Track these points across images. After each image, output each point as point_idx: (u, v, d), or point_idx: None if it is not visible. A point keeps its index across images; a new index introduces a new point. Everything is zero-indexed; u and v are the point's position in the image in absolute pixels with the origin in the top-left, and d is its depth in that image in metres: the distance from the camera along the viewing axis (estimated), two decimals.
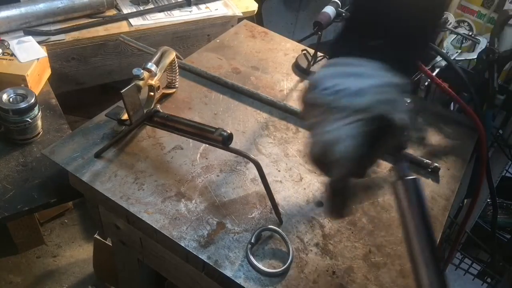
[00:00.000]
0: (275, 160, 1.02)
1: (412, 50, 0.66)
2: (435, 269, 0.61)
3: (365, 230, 0.91)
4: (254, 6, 1.81)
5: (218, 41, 1.37)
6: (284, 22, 2.83)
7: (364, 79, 0.59)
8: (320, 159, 0.62)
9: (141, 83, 0.98)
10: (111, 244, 1.45)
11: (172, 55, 1.08)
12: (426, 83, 1.37)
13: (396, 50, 0.62)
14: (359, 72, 0.60)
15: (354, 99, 0.58)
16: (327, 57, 0.74)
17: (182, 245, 0.82)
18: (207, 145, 0.98)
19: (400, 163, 0.66)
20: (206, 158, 1.00)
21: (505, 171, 1.61)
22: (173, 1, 1.71)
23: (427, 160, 1.06)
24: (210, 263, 0.80)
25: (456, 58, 1.36)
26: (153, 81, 1.03)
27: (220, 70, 1.25)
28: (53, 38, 1.46)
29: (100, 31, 1.54)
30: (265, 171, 0.88)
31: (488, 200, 1.61)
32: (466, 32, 1.48)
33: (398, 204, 0.65)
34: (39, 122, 1.19)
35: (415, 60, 0.72)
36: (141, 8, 1.66)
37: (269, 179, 0.92)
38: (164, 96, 1.12)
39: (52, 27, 1.49)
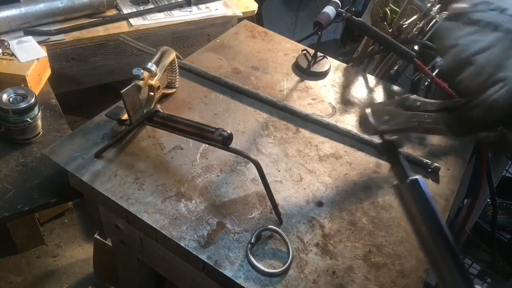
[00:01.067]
0: (275, 160, 1.02)
1: None
2: (460, 272, 0.59)
3: (365, 230, 0.91)
4: (254, 6, 1.81)
5: (218, 41, 1.37)
6: (284, 22, 2.83)
7: None
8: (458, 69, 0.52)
9: (141, 83, 0.98)
10: (111, 244, 1.45)
11: (172, 55, 1.08)
12: (426, 83, 1.37)
13: None
14: None
15: None
16: None
17: (182, 245, 0.82)
18: (207, 145, 0.98)
19: (400, 164, 0.66)
20: (206, 158, 1.00)
21: (505, 171, 1.61)
22: (173, 1, 1.71)
23: (427, 160, 1.06)
24: (210, 263, 0.80)
25: None
26: (153, 81, 1.03)
27: (220, 70, 1.25)
28: (53, 38, 1.46)
29: (100, 31, 1.54)
30: (265, 171, 0.88)
31: (488, 200, 1.61)
32: None
33: (404, 208, 0.64)
34: (39, 122, 1.19)
35: None
36: (141, 8, 1.66)
37: (269, 179, 0.92)
38: (164, 96, 1.12)
39: (52, 27, 1.49)
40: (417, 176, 0.64)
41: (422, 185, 0.63)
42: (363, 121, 0.78)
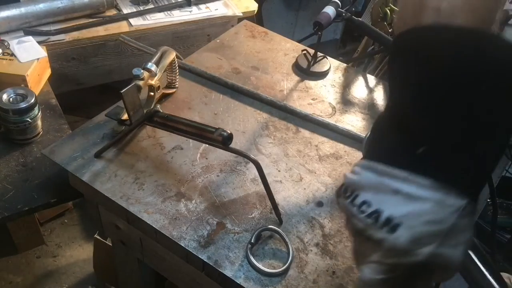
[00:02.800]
0: (275, 160, 1.02)
1: (477, 160, 0.49)
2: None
3: None
4: (254, 6, 1.81)
5: (218, 41, 1.37)
6: (284, 22, 2.83)
7: (411, 202, 0.48)
8: None
9: (141, 83, 0.98)
10: (111, 244, 1.45)
11: (172, 55, 1.08)
12: None
13: (453, 162, 0.49)
14: (405, 191, 0.49)
15: (394, 234, 0.48)
16: (364, 156, 0.63)
17: (182, 245, 0.82)
18: (207, 145, 0.98)
19: None
20: (206, 158, 1.00)
21: (505, 171, 1.61)
22: (173, 1, 1.71)
23: None
24: (210, 263, 0.80)
25: None
26: (153, 81, 1.03)
27: (220, 70, 1.25)
28: (53, 38, 1.46)
29: (100, 31, 1.54)
30: (265, 171, 0.88)
31: (488, 200, 1.61)
32: None
33: None
34: (39, 122, 1.19)
35: (482, 174, 0.52)
36: (141, 8, 1.66)
37: (269, 179, 0.92)
38: (164, 96, 1.12)
39: (52, 27, 1.49)
40: None
41: None
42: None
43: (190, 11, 1.70)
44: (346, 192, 0.55)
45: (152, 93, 1.06)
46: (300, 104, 1.19)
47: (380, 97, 1.27)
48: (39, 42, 1.40)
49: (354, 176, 0.54)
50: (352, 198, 0.53)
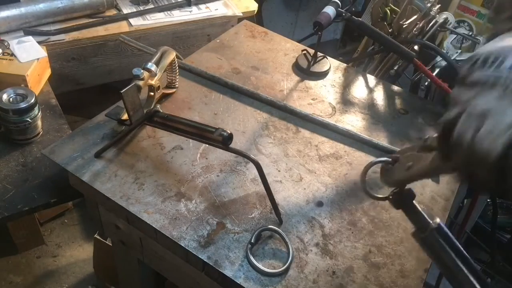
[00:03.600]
0: (275, 160, 1.02)
1: None
2: None
3: (365, 230, 0.91)
4: (254, 6, 1.81)
5: (218, 41, 1.37)
6: (284, 22, 2.83)
7: None
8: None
9: (141, 83, 0.98)
10: (111, 244, 1.45)
11: (172, 55, 1.08)
12: (426, 83, 1.37)
13: None
14: None
15: None
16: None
17: (182, 245, 0.82)
18: (207, 145, 0.98)
19: (417, 213, 0.62)
20: (206, 158, 1.00)
21: None
22: (173, 1, 1.71)
23: None
24: (210, 263, 0.80)
25: (456, 58, 1.36)
26: (153, 81, 1.03)
27: (220, 70, 1.25)
28: (53, 38, 1.46)
29: (100, 31, 1.54)
30: (265, 171, 0.88)
31: (488, 200, 1.61)
32: (466, 32, 1.49)
33: (433, 255, 0.61)
34: (39, 122, 1.19)
35: None
36: (141, 8, 1.66)
37: (269, 179, 0.92)
38: (164, 96, 1.12)
39: (52, 27, 1.49)
40: (437, 220, 0.62)
41: (444, 228, 0.60)
42: (384, 172, 0.74)
43: (190, 11, 1.70)
44: (486, 61, 0.49)
45: (152, 93, 1.06)
46: (300, 104, 1.19)
47: (380, 97, 1.27)
48: (39, 42, 1.40)
49: (493, 45, 0.49)
50: (498, 63, 0.48)
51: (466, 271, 0.59)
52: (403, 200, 0.66)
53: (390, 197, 0.70)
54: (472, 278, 0.58)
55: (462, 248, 0.60)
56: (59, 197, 1.08)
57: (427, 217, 0.62)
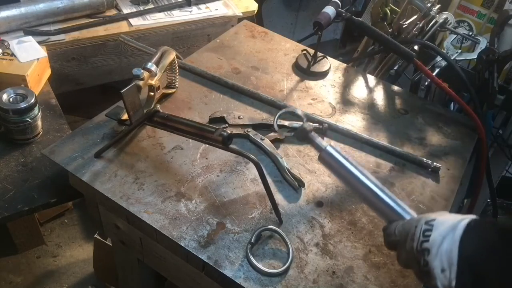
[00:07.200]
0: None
1: None
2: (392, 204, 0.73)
3: (365, 230, 0.91)
4: (254, 6, 1.81)
5: (218, 41, 1.37)
6: (284, 22, 2.83)
7: None
8: None
9: (141, 83, 0.98)
10: (111, 244, 1.45)
11: (172, 55, 1.08)
12: (426, 83, 1.37)
13: None
14: None
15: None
16: None
17: (182, 245, 0.82)
18: (207, 145, 0.98)
19: (314, 141, 0.79)
20: (206, 158, 1.00)
21: (505, 171, 1.61)
22: (173, 1, 1.71)
23: (427, 160, 1.06)
24: (210, 263, 0.80)
25: (456, 58, 1.36)
26: (153, 81, 1.03)
27: (220, 70, 1.25)
28: (53, 38, 1.46)
29: (100, 31, 1.54)
30: (265, 171, 0.88)
31: (488, 200, 1.61)
32: (466, 32, 1.49)
33: (332, 170, 0.77)
34: (39, 122, 1.19)
35: None
36: (141, 8, 1.66)
37: (269, 179, 0.92)
38: (164, 96, 1.12)
39: (52, 27, 1.49)
40: (326, 146, 0.77)
41: (332, 151, 0.76)
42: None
43: (190, 11, 1.70)
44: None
45: (152, 93, 1.06)
46: (300, 104, 1.19)
47: (380, 97, 1.27)
48: (39, 42, 1.40)
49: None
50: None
51: (357, 172, 0.75)
52: (303, 135, 0.80)
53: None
54: (363, 178, 0.74)
55: (350, 158, 0.77)
56: (59, 197, 1.08)
57: (322, 142, 0.78)
